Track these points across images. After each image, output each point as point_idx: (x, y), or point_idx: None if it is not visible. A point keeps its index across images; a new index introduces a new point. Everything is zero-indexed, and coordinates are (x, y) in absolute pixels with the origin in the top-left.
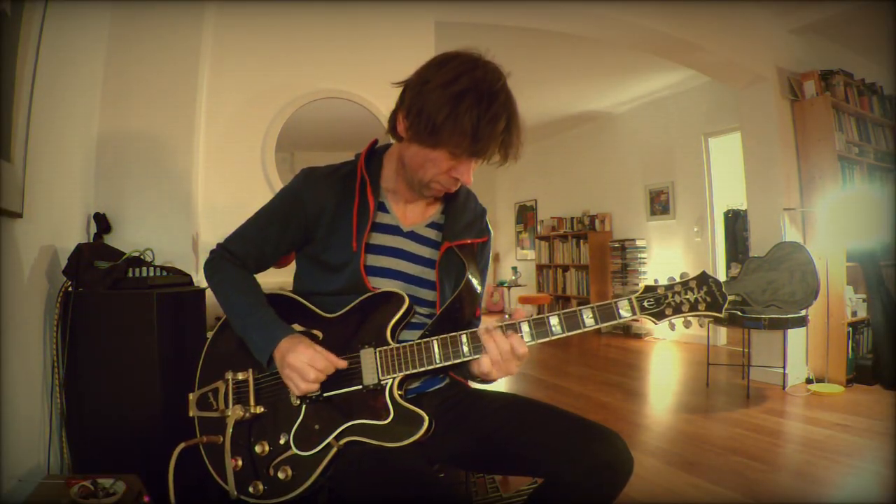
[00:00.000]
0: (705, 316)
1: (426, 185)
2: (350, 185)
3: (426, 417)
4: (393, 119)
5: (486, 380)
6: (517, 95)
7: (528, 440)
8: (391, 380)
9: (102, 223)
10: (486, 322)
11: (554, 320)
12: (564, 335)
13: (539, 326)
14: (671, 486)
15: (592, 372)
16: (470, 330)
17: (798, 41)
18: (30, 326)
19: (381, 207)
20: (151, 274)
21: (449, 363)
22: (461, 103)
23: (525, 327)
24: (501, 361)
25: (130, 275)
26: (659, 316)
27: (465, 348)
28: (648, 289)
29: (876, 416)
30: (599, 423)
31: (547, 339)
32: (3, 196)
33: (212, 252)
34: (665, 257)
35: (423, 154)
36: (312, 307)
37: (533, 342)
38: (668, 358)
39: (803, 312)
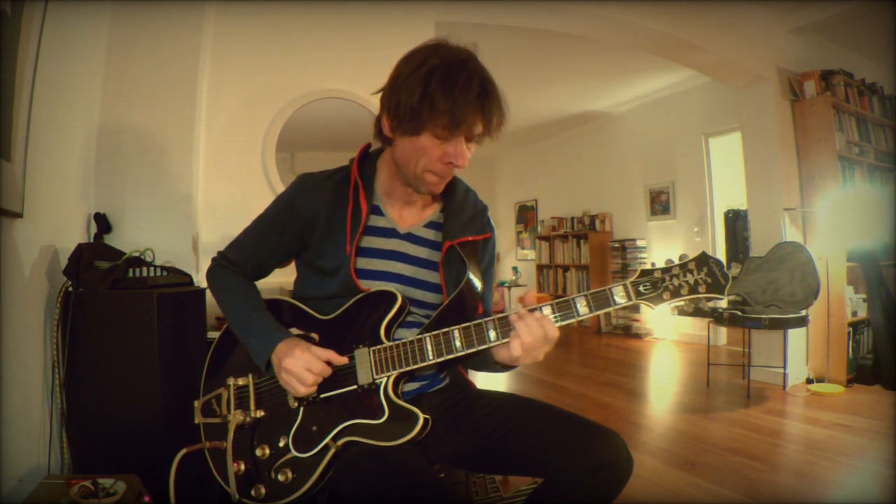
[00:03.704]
0: (706, 298)
1: (420, 177)
2: (344, 189)
3: (420, 415)
4: (378, 124)
5: (511, 366)
6: (518, 96)
7: (528, 440)
8: (385, 378)
9: (102, 223)
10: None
11: (546, 310)
12: (558, 325)
13: None
14: (671, 486)
15: (592, 372)
16: (462, 325)
17: (798, 41)
18: (30, 326)
19: (376, 211)
20: (151, 274)
21: (441, 359)
22: (431, 80)
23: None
24: (534, 348)
25: (130, 275)
26: (656, 300)
27: (457, 343)
28: (644, 273)
29: (876, 416)
30: (599, 423)
31: None
32: (3, 196)
33: (212, 260)
34: (665, 257)
35: (411, 144)
36: (309, 310)
37: None
38: (668, 358)
39: (803, 312)
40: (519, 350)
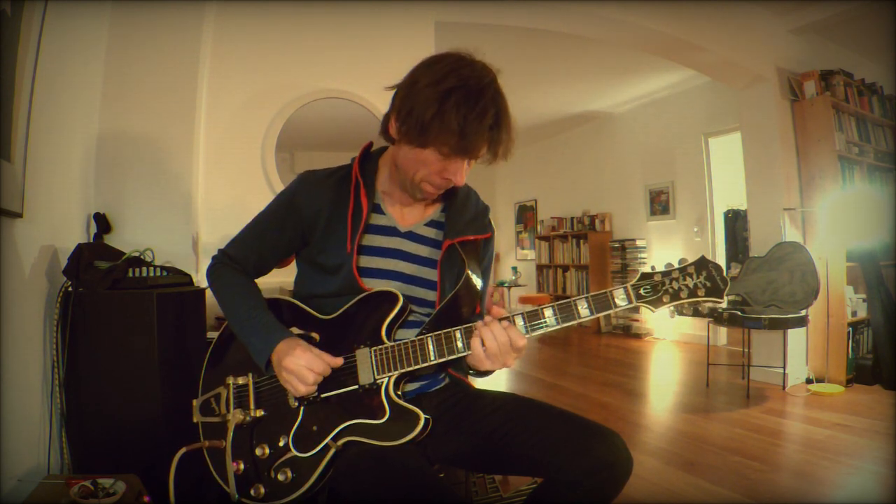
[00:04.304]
0: (705, 301)
1: (417, 185)
2: (345, 187)
3: (421, 415)
4: (385, 122)
5: (482, 372)
6: (518, 96)
7: (528, 440)
8: (387, 378)
9: (102, 223)
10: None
11: (548, 312)
12: (559, 327)
13: (533, 319)
14: (671, 486)
15: (592, 372)
16: (464, 326)
17: (798, 41)
18: (30, 326)
19: (377, 209)
20: (151, 274)
21: (444, 360)
22: (448, 101)
23: (519, 320)
24: (499, 354)
25: (130, 275)
26: (656, 304)
27: (460, 344)
28: (645, 276)
29: (876, 416)
30: (599, 423)
31: (542, 332)
32: (3, 196)
33: (213, 258)
34: (665, 257)
35: (414, 154)
36: (309, 310)
37: (527, 335)
38: (668, 358)
39: (803, 312)
40: (482, 357)
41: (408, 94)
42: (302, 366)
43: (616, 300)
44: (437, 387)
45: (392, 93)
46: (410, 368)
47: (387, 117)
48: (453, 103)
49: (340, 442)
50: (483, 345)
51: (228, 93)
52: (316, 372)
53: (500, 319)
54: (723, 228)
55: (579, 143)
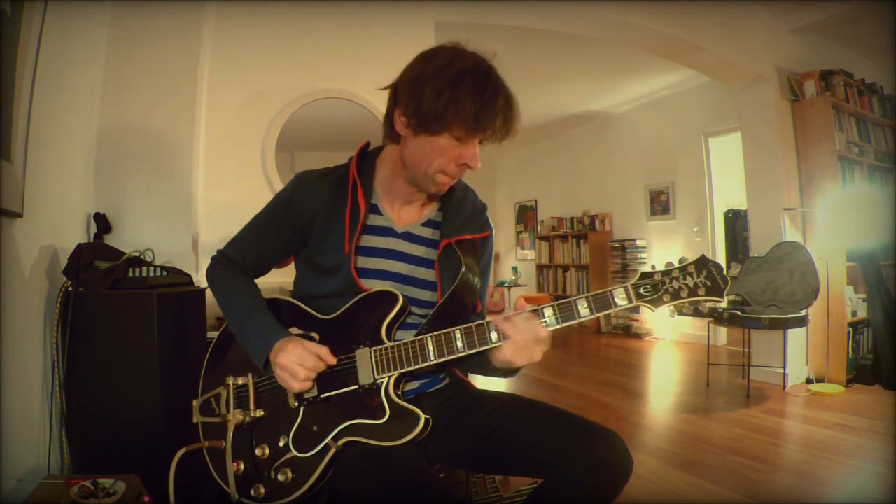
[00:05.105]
0: (705, 301)
1: (431, 178)
2: (342, 187)
3: (421, 415)
4: (389, 121)
5: (510, 369)
6: (518, 96)
7: (528, 440)
8: (387, 378)
9: (102, 223)
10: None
11: (548, 311)
12: (559, 326)
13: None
14: (671, 486)
15: (592, 372)
16: (463, 326)
17: (798, 41)
18: (30, 327)
19: (374, 209)
20: (151, 274)
21: (443, 360)
22: (460, 85)
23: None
24: (526, 346)
25: (130, 275)
26: (656, 303)
27: (459, 344)
28: (645, 275)
29: (876, 416)
30: (599, 423)
31: None
32: (3, 196)
33: (212, 259)
34: (665, 257)
35: (428, 144)
36: (309, 310)
37: None
38: (668, 358)
39: (803, 312)
40: (511, 352)
41: (413, 86)
42: (293, 361)
43: (616, 299)
44: (437, 386)
45: (386, 94)
46: (410, 368)
47: (390, 116)
48: (466, 87)
49: (340, 442)
50: (508, 340)
51: (228, 93)
52: (307, 367)
53: (511, 314)
54: (723, 228)
55: (579, 143)
